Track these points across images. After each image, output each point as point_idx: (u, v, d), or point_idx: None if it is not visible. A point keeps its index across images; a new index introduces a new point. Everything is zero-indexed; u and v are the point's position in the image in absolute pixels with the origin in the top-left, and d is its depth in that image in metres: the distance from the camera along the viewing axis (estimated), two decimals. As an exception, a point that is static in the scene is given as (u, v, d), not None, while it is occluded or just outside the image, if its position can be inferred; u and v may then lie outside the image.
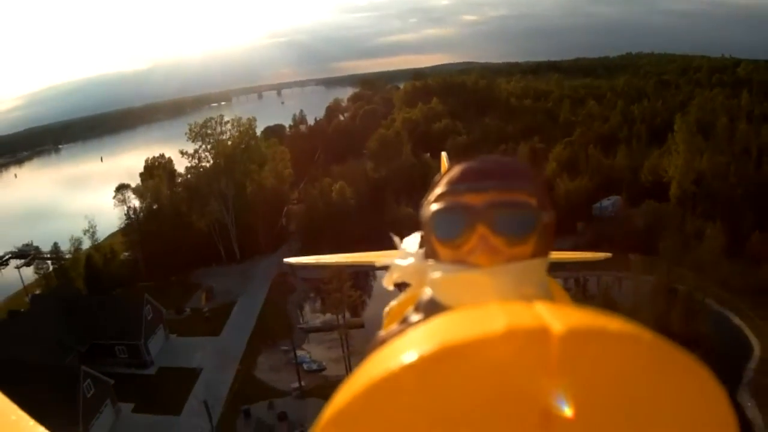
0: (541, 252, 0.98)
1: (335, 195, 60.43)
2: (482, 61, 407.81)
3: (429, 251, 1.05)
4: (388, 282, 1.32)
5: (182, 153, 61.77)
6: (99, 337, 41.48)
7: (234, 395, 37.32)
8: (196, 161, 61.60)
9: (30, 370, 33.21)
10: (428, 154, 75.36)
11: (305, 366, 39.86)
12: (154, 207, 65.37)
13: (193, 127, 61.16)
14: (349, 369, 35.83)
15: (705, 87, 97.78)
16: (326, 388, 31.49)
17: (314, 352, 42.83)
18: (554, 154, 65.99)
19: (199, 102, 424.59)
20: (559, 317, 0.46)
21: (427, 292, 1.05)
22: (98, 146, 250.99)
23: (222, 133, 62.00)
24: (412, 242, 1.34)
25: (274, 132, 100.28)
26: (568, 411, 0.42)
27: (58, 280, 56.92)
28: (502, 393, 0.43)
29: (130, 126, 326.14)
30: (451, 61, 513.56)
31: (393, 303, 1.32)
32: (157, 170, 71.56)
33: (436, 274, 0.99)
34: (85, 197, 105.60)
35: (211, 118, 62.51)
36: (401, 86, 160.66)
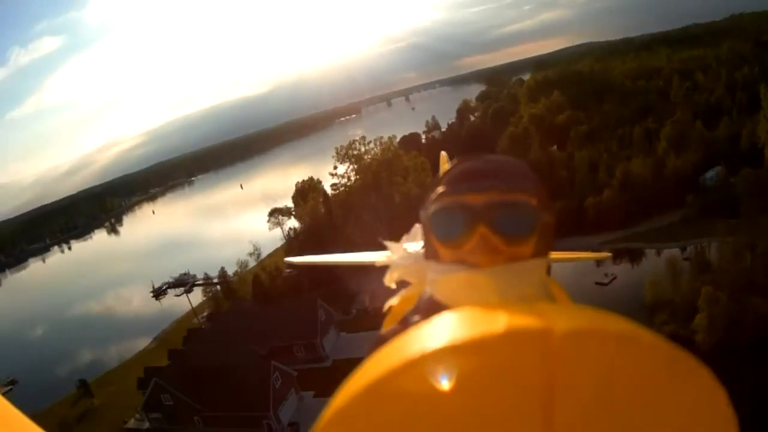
0: (542, 252, 1.06)
1: (477, 196, 68.30)
2: (599, 40, 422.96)
3: (429, 251, 1.14)
4: (389, 282, 1.45)
5: (332, 174, 72.60)
6: (277, 340, 49.85)
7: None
8: (345, 180, 71.64)
9: (232, 370, 43.36)
10: (555, 147, 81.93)
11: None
12: (311, 224, 74.37)
13: (339, 150, 71.83)
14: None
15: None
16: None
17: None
18: (664, 132, 70.56)
19: (328, 118, 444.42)
20: (559, 317, 0.49)
21: (427, 292, 1.14)
22: (232, 174, 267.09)
23: (366, 152, 71.77)
24: (413, 243, 1.48)
25: (409, 142, 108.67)
26: (568, 411, 0.46)
27: (226, 299, 67.18)
28: (502, 393, 0.47)
29: (261, 150, 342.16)
30: (570, 44, 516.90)
31: (393, 302, 1.40)
32: (311, 193, 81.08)
33: (436, 274, 1.06)
34: (228, 224, 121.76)
35: (355, 140, 72.55)
36: (525, 78, 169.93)
